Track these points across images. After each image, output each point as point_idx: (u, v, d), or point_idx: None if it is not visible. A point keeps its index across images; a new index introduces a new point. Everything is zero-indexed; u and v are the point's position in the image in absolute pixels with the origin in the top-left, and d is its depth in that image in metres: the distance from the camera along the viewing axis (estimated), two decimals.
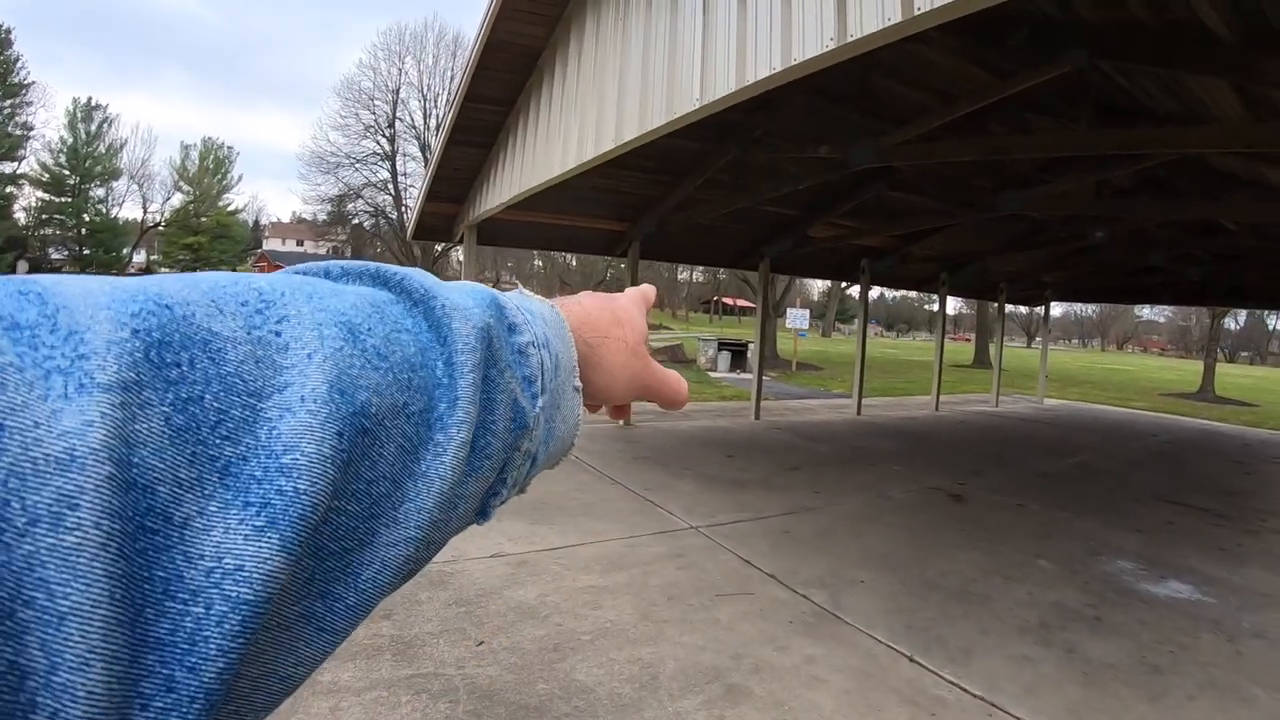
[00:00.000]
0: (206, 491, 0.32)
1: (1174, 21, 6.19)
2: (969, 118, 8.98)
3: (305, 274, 0.46)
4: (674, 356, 33.41)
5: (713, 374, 28.52)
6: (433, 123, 46.55)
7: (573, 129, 8.13)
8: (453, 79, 44.77)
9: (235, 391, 0.34)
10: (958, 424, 19.16)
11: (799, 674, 4.93)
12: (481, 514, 0.53)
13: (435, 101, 47.29)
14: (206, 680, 0.31)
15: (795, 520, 8.49)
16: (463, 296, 0.50)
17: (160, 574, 0.30)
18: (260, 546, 0.33)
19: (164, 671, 0.30)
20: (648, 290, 0.83)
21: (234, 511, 0.33)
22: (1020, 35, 6.84)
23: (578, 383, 0.62)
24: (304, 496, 0.35)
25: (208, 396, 0.34)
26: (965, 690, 4.90)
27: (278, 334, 0.38)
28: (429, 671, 4.56)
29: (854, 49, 4.32)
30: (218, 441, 0.33)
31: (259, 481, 0.34)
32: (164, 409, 0.32)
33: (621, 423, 14.18)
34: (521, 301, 0.58)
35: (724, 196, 12.60)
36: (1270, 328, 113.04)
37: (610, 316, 0.70)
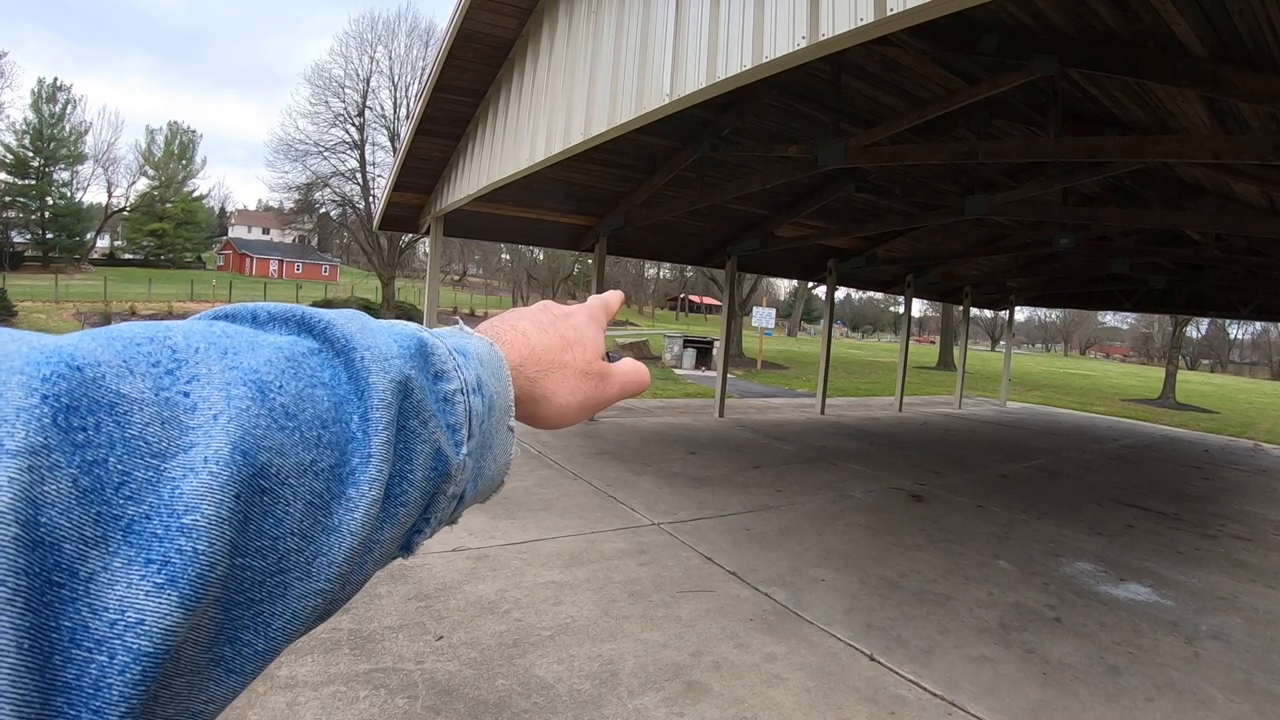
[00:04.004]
0: (111, 549, 0.34)
1: (1145, 32, 6.24)
2: (938, 121, 9.06)
3: (234, 318, 0.48)
4: (639, 353, 33.40)
5: (678, 371, 28.57)
6: (403, 112, 46.19)
7: (541, 122, 8.09)
8: (424, 69, 44.48)
9: (139, 453, 0.36)
10: (920, 425, 19.30)
11: (759, 672, 4.94)
12: (405, 548, 0.54)
13: (406, 91, 46.94)
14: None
15: (757, 518, 8.51)
16: (388, 343, 0.50)
17: (67, 624, 0.32)
18: (160, 602, 0.34)
19: (71, 713, 0.32)
20: (611, 299, 0.84)
21: (136, 568, 0.34)
22: (991, 40, 6.88)
23: (512, 422, 0.63)
24: (202, 556, 0.36)
25: (112, 459, 0.35)
26: (925, 689, 4.93)
27: (186, 394, 0.39)
28: (387, 666, 4.52)
29: (825, 48, 4.33)
30: (121, 501, 0.34)
31: (160, 540, 0.35)
32: (71, 471, 0.33)
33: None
34: (458, 342, 0.58)
35: (692, 194, 12.60)
36: (1231, 336, 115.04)
37: (559, 342, 0.70)
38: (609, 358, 0.79)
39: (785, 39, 4.55)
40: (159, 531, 0.35)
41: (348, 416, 0.45)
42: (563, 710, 4.23)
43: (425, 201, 13.31)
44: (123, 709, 0.33)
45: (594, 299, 0.83)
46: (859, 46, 4.23)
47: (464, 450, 0.54)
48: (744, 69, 4.93)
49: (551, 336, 0.70)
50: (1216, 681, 5.46)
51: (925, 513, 9.52)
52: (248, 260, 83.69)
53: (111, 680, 0.32)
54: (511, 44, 9.02)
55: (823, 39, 4.24)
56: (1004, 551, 8.11)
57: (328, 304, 46.49)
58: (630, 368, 0.78)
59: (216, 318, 0.47)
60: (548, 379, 0.67)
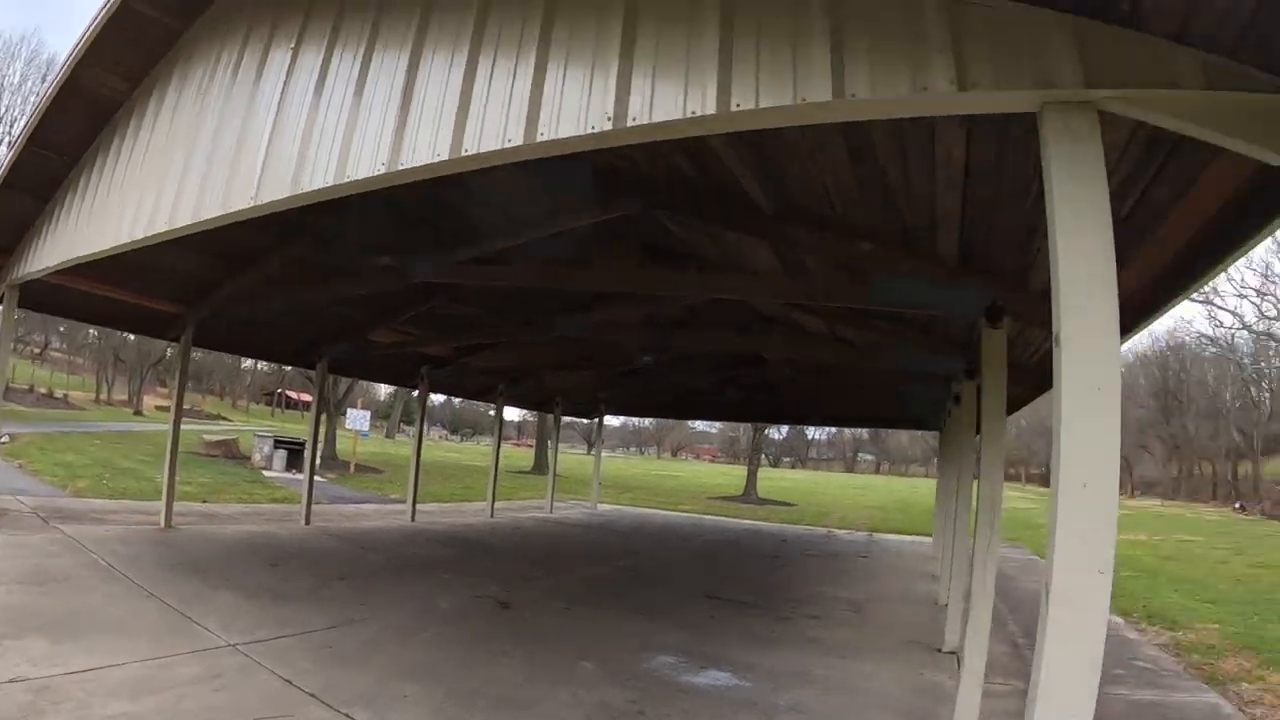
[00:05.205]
0: None
1: (719, 183, 6.95)
2: (532, 243, 9.45)
3: None
4: (227, 452, 31.53)
5: (267, 473, 27.22)
6: (3, 149, 40.32)
7: (132, 199, 7.61)
8: (35, 104, 39.31)
9: None
10: (512, 530, 19.65)
11: None
12: None
13: (11, 127, 41.10)
14: None
15: (340, 634, 8.25)
16: None
17: None
18: None
19: None
20: None
21: None
22: (584, 178, 7.36)
23: None
24: None
25: None
26: None
27: None
28: None
29: (405, 176, 4.65)
30: None
31: None
32: None
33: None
34: None
35: (288, 291, 12.26)
36: (809, 436, 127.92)
37: None
38: None
39: (369, 163, 4.78)
40: None
41: None
42: None
43: (3, 264, 11.82)
44: None
45: None
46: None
47: None
48: (328, 184, 5.07)
49: None
50: None
51: (512, 619, 9.68)
52: None
53: None
54: (119, 107, 8.44)
55: (402, 168, 4.53)
56: (590, 652, 8.37)
57: None
58: None
59: None
60: None
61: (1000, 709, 6.85)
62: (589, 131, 3.88)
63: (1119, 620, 11.99)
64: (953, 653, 8.90)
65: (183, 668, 6.69)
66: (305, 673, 6.89)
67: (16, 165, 9.39)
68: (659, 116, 3.66)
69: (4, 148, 40.14)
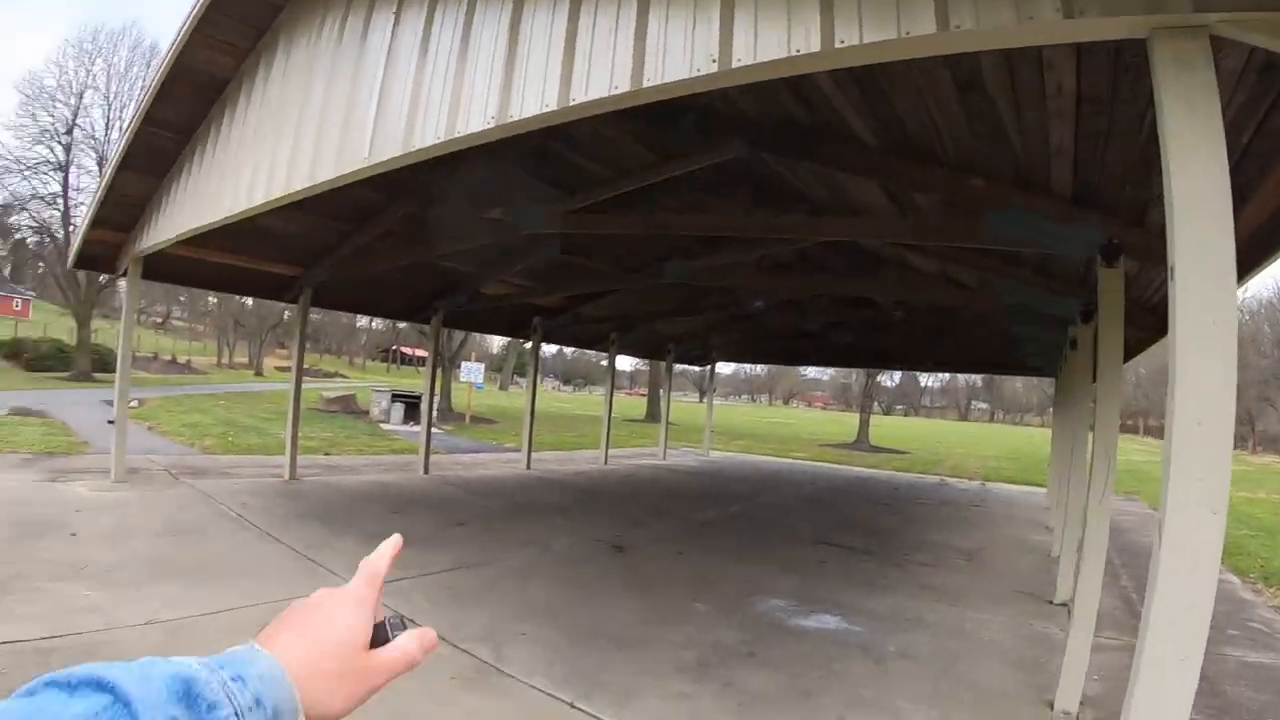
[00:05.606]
0: None
1: (826, 122, 6.84)
2: (640, 191, 9.46)
3: (55, 685, 0.60)
4: (346, 407, 32.49)
5: (385, 426, 27.96)
6: (115, 134, 41.36)
7: (246, 170, 7.84)
8: (143, 89, 40.42)
9: None
10: (625, 477, 19.88)
11: None
12: None
13: (121, 112, 42.19)
14: None
15: (459, 576, 8.52)
16: (160, 690, 0.62)
17: None
18: None
19: None
20: (377, 565, 0.92)
21: None
22: (689, 122, 7.33)
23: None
24: None
25: None
26: None
27: None
28: None
29: (514, 128, 4.63)
30: None
31: None
32: None
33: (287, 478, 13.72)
34: (240, 667, 0.71)
35: (400, 249, 12.52)
36: (922, 384, 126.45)
37: (314, 654, 0.79)
38: (386, 627, 0.86)
39: (479, 117, 4.78)
40: None
41: None
42: None
43: (125, 240, 12.36)
44: None
45: (361, 571, 0.91)
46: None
47: None
48: (439, 140, 5.11)
49: (309, 646, 0.79)
50: (905, 693, 5.99)
51: (627, 562, 9.84)
52: None
53: None
54: (227, 83, 8.70)
55: (511, 120, 4.51)
56: (702, 595, 8.50)
57: (17, 343, 41.78)
58: (401, 651, 0.86)
59: (48, 686, 0.59)
60: (304, 687, 0.75)
61: (1110, 663, 6.73)
62: (695, 74, 3.86)
63: (1234, 580, 11.51)
64: (1064, 604, 8.77)
65: None
66: (425, 611, 7.17)
67: (132, 145, 9.77)
68: (763, 56, 3.61)
69: (115, 132, 41.45)
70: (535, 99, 4.43)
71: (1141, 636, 2.81)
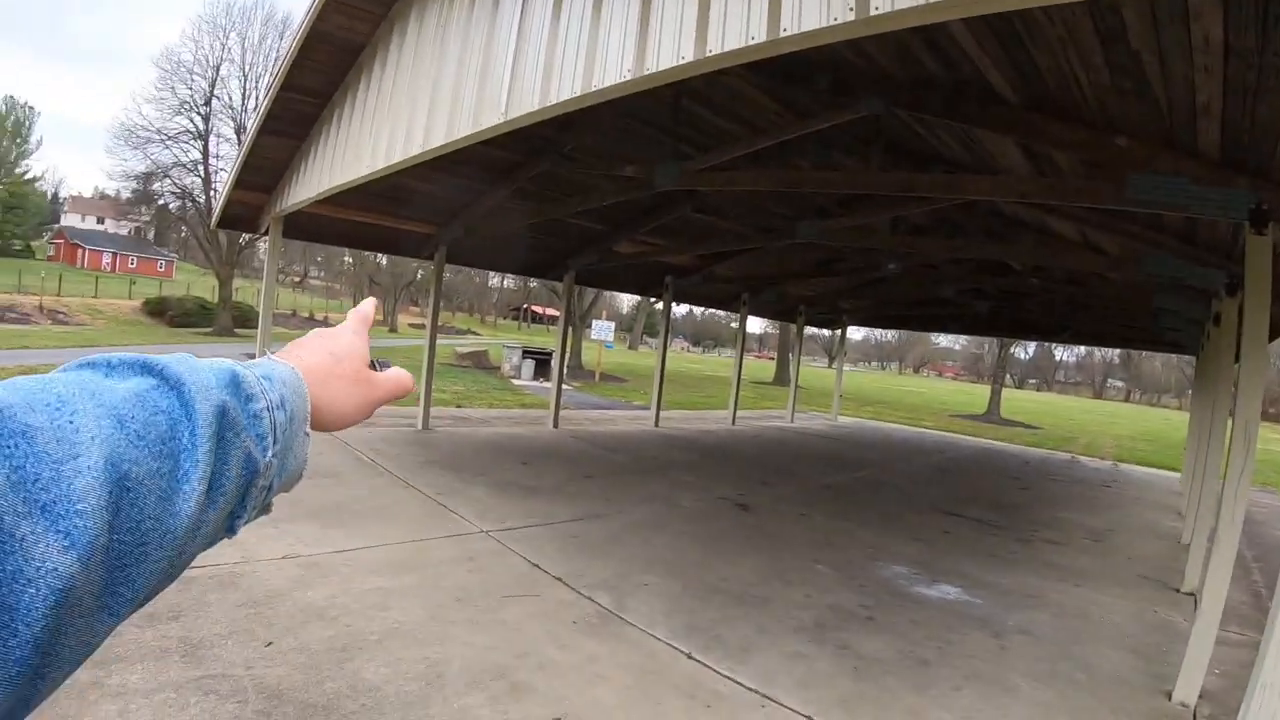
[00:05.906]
0: (34, 520, 0.50)
1: (964, 80, 6.68)
2: (773, 149, 9.38)
3: (93, 366, 0.64)
4: (478, 363, 33.21)
5: (516, 382, 28.50)
6: (251, 104, 43.32)
7: (384, 129, 8.07)
8: (277, 60, 42.13)
9: (45, 461, 0.52)
10: (752, 438, 19.86)
11: (582, 671, 5.11)
12: (229, 530, 0.72)
13: (256, 83, 44.22)
14: (35, 630, 0.50)
15: (585, 526, 8.70)
16: (208, 377, 0.68)
17: (9, 568, 0.48)
18: (66, 558, 0.51)
19: (10, 624, 0.48)
20: (364, 308, 1.02)
21: (52, 537, 0.51)
22: (824, 78, 7.25)
23: (308, 429, 0.82)
24: (90, 530, 0.53)
25: (29, 464, 0.51)
26: (741, 684, 5.20)
27: (71, 423, 0.55)
28: (217, 672, 4.51)
29: (650, 81, 4.60)
30: (38, 491, 0.51)
31: (64, 517, 0.51)
32: (4, 471, 0.49)
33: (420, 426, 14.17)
34: (267, 370, 0.78)
35: (533, 207, 12.70)
36: (1057, 358, 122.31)
37: (328, 361, 0.89)
38: (376, 365, 0.96)
39: (614, 70, 4.78)
40: (63, 512, 0.51)
41: (181, 433, 0.62)
42: (390, 711, 4.31)
43: (266, 201, 12.92)
44: (40, 625, 0.49)
45: (352, 313, 1.01)
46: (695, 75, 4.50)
47: (270, 453, 0.72)
48: (574, 95, 5.15)
49: (322, 356, 0.89)
50: (1021, 671, 5.92)
51: (750, 521, 9.89)
52: (80, 251, 76.19)
53: (36, 606, 0.49)
54: (362, 48, 8.94)
55: (648, 73, 4.50)
56: (824, 557, 8.50)
57: (162, 301, 44.30)
58: (395, 374, 0.97)
59: (81, 367, 0.64)
60: (326, 389, 0.86)
61: (1233, 658, 6.46)
62: (832, 23, 3.81)
63: None
64: (1191, 594, 8.46)
65: (439, 550, 7.30)
66: (551, 558, 7.36)
67: (272, 110, 10.11)
68: (902, 4, 3.56)
69: (251, 101, 43.41)
70: (671, 52, 4.43)
71: (1268, 636, 2.72)
